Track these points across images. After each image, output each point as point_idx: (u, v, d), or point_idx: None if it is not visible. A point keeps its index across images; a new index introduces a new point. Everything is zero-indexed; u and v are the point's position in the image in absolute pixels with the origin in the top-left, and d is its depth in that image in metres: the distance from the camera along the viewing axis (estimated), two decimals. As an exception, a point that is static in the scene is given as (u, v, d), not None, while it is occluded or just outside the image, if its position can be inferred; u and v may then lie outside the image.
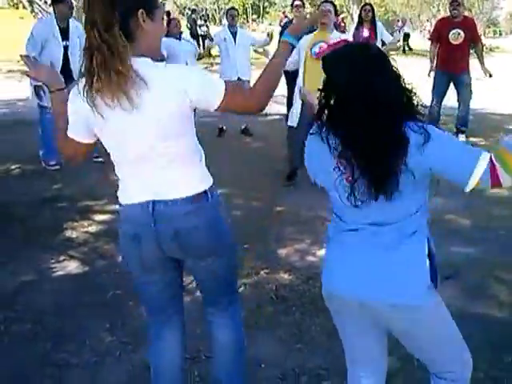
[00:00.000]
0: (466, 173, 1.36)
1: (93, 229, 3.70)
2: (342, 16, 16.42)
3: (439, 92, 6.19)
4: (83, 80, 1.45)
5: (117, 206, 1.71)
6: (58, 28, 4.66)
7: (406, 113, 1.39)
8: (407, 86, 1.41)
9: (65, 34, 4.67)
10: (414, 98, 1.41)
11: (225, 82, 1.54)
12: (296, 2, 6.77)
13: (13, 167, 4.74)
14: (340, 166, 1.42)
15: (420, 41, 22.92)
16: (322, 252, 3.00)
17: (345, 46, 1.46)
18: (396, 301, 1.43)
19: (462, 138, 6.07)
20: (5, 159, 4.81)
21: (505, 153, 1.35)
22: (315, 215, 3.80)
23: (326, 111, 1.44)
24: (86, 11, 1.41)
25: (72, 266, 3.18)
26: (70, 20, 4.81)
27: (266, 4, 42.91)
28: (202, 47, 17.18)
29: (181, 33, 6.13)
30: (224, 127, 6.56)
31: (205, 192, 1.62)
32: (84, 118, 1.52)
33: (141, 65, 1.44)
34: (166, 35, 5.96)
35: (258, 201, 4.16)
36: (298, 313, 2.69)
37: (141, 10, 1.44)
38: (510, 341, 2.40)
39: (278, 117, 7.78)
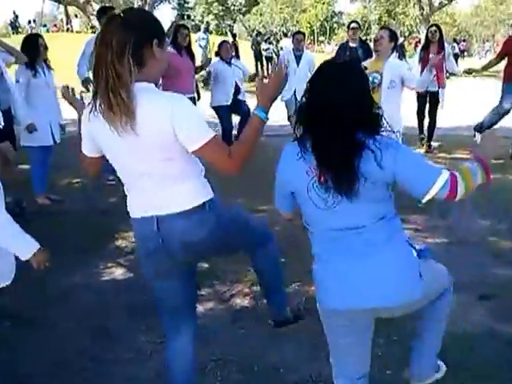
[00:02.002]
0: (426, 185, 1.49)
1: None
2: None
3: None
4: (92, 101, 1.57)
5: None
6: None
7: (368, 126, 1.52)
8: (373, 102, 1.55)
9: None
10: (378, 112, 1.55)
11: (215, 135, 1.58)
12: (352, 25, 6.84)
13: (74, 181, 5.16)
14: (312, 169, 1.55)
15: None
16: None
17: (328, 63, 1.63)
18: (402, 300, 1.58)
19: None
20: (68, 173, 5.23)
21: (467, 171, 1.53)
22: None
23: (301, 119, 1.59)
24: (103, 31, 1.51)
25: (118, 272, 3.45)
26: None
27: (335, 25, 43.10)
28: (265, 69, 17.67)
29: (232, 57, 6.35)
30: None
31: (203, 204, 1.68)
32: (92, 137, 1.65)
33: (142, 90, 1.52)
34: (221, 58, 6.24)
35: (297, 218, 4.24)
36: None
37: (155, 40, 1.55)
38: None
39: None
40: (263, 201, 4.73)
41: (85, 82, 4.95)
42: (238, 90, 6.25)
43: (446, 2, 23.04)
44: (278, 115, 6.63)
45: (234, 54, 6.66)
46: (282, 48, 16.96)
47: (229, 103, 6.20)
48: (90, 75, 4.67)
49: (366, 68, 4.27)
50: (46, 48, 4.53)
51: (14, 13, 27.73)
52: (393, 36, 4.32)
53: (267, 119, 1.68)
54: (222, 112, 6.28)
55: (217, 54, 6.39)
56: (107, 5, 19.29)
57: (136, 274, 3.40)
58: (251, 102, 6.49)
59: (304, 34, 7.44)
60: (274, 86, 1.69)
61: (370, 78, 4.15)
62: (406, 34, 31.03)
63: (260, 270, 2.17)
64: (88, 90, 4.80)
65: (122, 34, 1.48)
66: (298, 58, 6.57)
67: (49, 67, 4.60)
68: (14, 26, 26.99)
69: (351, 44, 6.68)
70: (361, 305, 1.59)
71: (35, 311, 2.87)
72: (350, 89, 1.51)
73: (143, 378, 2.40)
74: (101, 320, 2.85)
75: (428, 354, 1.92)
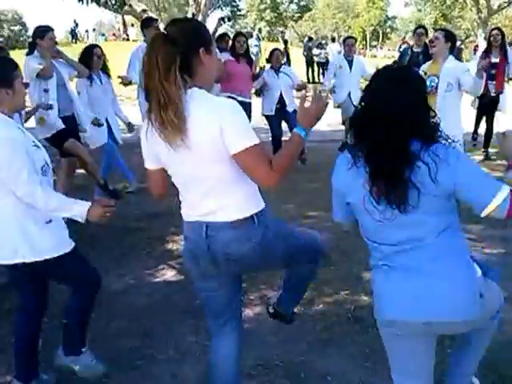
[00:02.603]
0: (486, 199, 1.43)
1: (191, 242, 4.04)
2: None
3: None
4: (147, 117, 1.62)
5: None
6: None
7: (423, 134, 1.47)
8: (430, 109, 1.50)
9: None
10: (435, 121, 1.50)
11: (259, 143, 1.58)
12: (419, 30, 6.72)
13: (128, 184, 5.34)
14: (369, 181, 1.51)
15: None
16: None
17: (385, 68, 1.59)
18: (457, 317, 1.54)
19: None
20: (124, 178, 5.43)
21: None
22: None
23: (355, 126, 1.57)
24: (149, 50, 1.55)
25: (169, 274, 3.53)
26: None
27: (388, 30, 42.37)
28: (317, 74, 17.59)
29: (282, 64, 6.35)
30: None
31: (251, 217, 1.68)
32: (151, 150, 1.71)
33: (193, 97, 1.57)
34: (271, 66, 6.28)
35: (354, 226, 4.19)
36: (373, 333, 2.69)
37: (202, 49, 1.60)
38: None
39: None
40: (311, 207, 4.72)
41: (127, 80, 5.14)
42: (283, 101, 6.19)
43: (506, 5, 22.19)
44: (330, 119, 6.62)
45: (285, 60, 6.66)
46: (327, 53, 16.81)
47: (273, 113, 6.22)
48: (136, 78, 5.01)
49: (425, 73, 4.19)
50: (100, 57, 4.75)
51: (75, 21, 28.90)
52: (449, 36, 4.16)
53: (306, 139, 1.69)
54: (271, 120, 6.32)
55: (268, 60, 6.43)
56: (162, 13, 19.90)
57: (186, 276, 3.46)
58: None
59: (355, 39, 7.38)
60: (315, 113, 1.69)
61: (428, 82, 4.04)
62: (463, 37, 30.01)
63: (292, 277, 2.12)
64: (125, 85, 5.18)
65: (167, 51, 1.52)
66: (350, 63, 6.52)
67: (107, 75, 4.81)
68: (74, 34, 28.09)
69: (415, 49, 6.56)
70: (415, 317, 1.56)
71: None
72: (406, 94, 1.48)
73: (191, 378, 2.44)
74: (151, 320, 2.92)
75: (464, 373, 1.87)
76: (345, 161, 1.58)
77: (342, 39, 21.32)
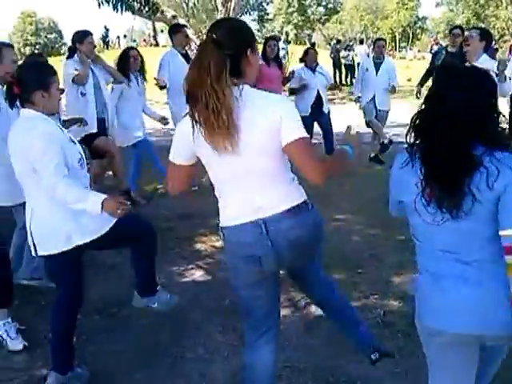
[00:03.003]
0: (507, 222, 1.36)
1: (220, 243, 4.06)
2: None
3: None
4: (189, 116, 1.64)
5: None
6: (179, 55, 5.28)
7: (488, 138, 1.40)
8: (499, 113, 1.42)
9: (186, 58, 5.26)
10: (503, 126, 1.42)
11: (306, 136, 1.67)
12: (454, 31, 6.59)
13: (159, 187, 5.40)
14: (422, 182, 1.45)
15: None
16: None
17: (453, 65, 1.52)
18: (502, 331, 1.46)
19: None
20: (153, 180, 5.50)
21: None
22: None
23: (416, 125, 1.49)
24: (199, 55, 1.59)
25: (197, 274, 3.56)
26: (187, 47, 5.54)
27: (418, 31, 41.77)
28: (344, 77, 17.47)
29: (317, 64, 6.31)
30: (385, 141, 6.36)
31: (305, 202, 1.77)
32: (187, 140, 1.69)
33: (246, 91, 1.62)
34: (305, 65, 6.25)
35: (378, 228, 4.15)
36: (403, 339, 2.67)
37: (249, 49, 1.64)
38: None
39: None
40: (339, 210, 4.68)
41: (163, 83, 5.23)
42: (320, 101, 6.15)
43: (543, 3, 21.55)
44: (358, 121, 6.56)
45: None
46: (356, 55, 16.65)
47: (308, 114, 6.10)
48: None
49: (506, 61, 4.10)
50: (136, 59, 4.86)
51: (106, 27, 29.43)
52: (484, 35, 4.08)
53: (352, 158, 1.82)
54: (304, 120, 6.23)
55: (302, 60, 6.38)
56: (191, 19, 20.12)
57: (214, 276, 3.50)
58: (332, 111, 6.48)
59: (385, 41, 7.28)
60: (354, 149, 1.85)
61: None
62: (497, 37, 29.33)
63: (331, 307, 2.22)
64: (160, 88, 5.32)
65: (217, 55, 1.55)
66: (378, 65, 6.40)
67: (144, 78, 4.92)
68: (105, 40, 28.63)
69: (450, 49, 6.44)
70: (467, 330, 1.49)
71: (119, 308, 3.03)
72: (480, 96, 1.41)
73: (219, 378, 2.45)
74: (180, 319, 2.95)
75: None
76: (401, 159, 1.53)
77: (370, 41, 21.13)
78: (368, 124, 6.54)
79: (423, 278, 1.58)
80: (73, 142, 2.28)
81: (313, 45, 20.27)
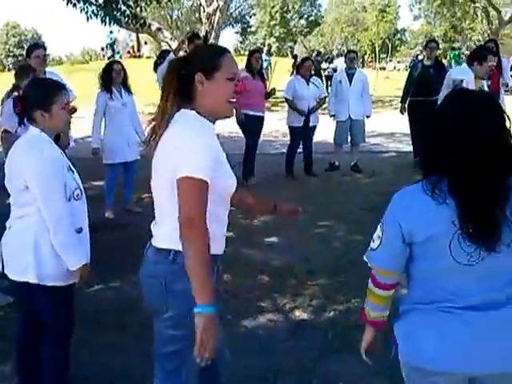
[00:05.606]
0: None
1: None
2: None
3: None
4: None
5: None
6: None
7: None
8: None
9: None
10: None
11: (201, 180, 1.49)
12: (431, 44, 6.82)
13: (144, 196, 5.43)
14: (459, 218, 1.33)
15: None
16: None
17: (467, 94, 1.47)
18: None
19: None
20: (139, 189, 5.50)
21: None
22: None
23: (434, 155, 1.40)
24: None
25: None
26: None
27: (397, 42, 42.52)
28: (325, 87, 17.68)
29: (311, 75, 6.43)
30: (336, 163, 6.74)
31: (169, 251, 1.61)
32: None
33: (177, 117, 1.62)
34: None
35: (359, 234, 4.25)
36: (386, 341, 2.74)
37: (199, 73, 1.60)
38: None
39: (394, 154, 7.76)
40: (323, 217, 4.77)
41: None
42: (309, 113, 6.25)
43: (517, 16, 22.15)
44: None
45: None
46: (334, 69, 16.76)
47: (301, 124, 6.23)
48: None
49: (462, 81, 4.33)
50: (119, 72, 4.87)
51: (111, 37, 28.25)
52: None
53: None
54: (295, 131, 6.33)
55: (297, 70, 6.50)
56: (174, 31, 20.20)
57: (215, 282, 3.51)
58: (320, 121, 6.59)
59: (356, 53, 7.52)
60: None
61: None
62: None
63: None
64: None
65: (171, 74, 1.64)
66: (351, 76, 6.58)
67: (128, 90, 4.93)
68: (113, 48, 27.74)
69: (426, 62, 6.67)
70: (465, 369, 1.42)
71: (111, 317, 3.03)
72: (499, 121, 1.37)
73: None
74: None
75: None
76: (419, 195, 1.37)
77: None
78: (335, 141, 6.73)
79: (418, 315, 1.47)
80: (71, 170, 2.16)
81: (295, 57, 20.60)
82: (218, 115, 1.69)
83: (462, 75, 4.75)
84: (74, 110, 2.14)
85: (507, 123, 1.39)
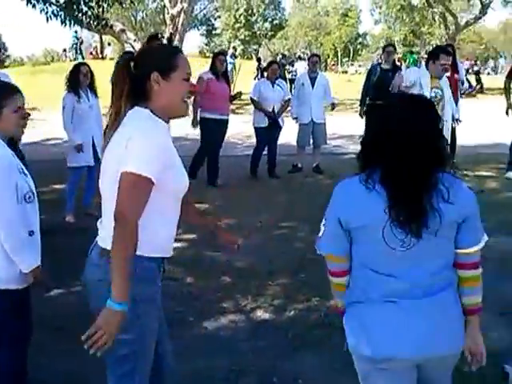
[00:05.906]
0: (469, 243, 1.49)
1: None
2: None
3: None
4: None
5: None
6: None
7: (441, 162, 1.47)
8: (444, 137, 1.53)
9: None
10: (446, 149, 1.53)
11: (141, 176, 1.48)
12: (388, 48, 7.01)
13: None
14: (389, 207, 1.43)
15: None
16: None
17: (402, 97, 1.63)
18: (455, 350, 1.52)
19: None
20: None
21: None
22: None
23: (369, 151, 1.50)
24: (113, 76, 1.68)
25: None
26: None
27: (359, 46, 43.35)
28: (288, 89, 17.85)
29: (277, 77, 6.52)
30: (299, 165, 6.84)
31: (108, 250, 1.55)
32: None
33: (129, 115, 1.60)
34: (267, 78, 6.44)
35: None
36: (342, 336, 2.81)
37: (155, 73, 1.60)
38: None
39: (353, 156, 7.90)
40: (285, 218, 4.83)
41: None
42: (275, 114, 6.36)
43: (472, 21, 22.97)
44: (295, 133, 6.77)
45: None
46: (294, 72, 16.86)
47: (266, 125, 6.34)
48: None
49: (414, 81, 4.63)
50: (86, 75, 4.80)
51: (76, 36, 27.38)
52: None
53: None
54: (261, 132, 6.43)
55: (263, 72, 6.65)
56: (139, 33, 19.95)
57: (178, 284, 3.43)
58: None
59: (319, 57, 7.65)
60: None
61: (433, 94, 4.49)
62: (432, 53, 30.91)
63: None
64: None
65: (121, 74, 1.65)
66: (314, 80, 6.70)
67: (94, 93, 4.88)
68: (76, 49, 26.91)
69: (384, 66, 6.84)
70: (417, 353, 1.48)
71: (71, 321, 2.95)
72: (432, 121, 1.49)
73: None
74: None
75: None
76: (355, 185, 1.48)
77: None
78: (298, 143, 6.83)
79: (365, 307, 1.53)
80: (24, 173, 2.11)
81: (259, 60, 20.73)
82: (173, 114, 1.70)
83: (418, 75, 4.89)
84: (28, 114, 2.10)
85: (438, 122, 1.51)
